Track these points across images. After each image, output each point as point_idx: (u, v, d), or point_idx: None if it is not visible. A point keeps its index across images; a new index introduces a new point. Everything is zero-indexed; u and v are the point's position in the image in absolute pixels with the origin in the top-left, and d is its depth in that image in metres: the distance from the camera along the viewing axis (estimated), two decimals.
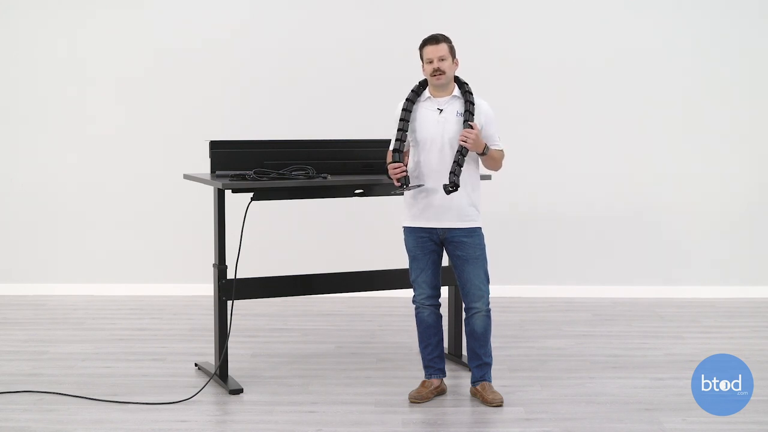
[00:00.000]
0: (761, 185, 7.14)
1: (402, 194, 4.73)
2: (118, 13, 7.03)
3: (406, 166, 4.58)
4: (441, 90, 4.61)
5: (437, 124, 4.57)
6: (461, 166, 4.49)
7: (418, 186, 4.57)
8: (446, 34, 4.61)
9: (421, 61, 4.62)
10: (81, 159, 7.08)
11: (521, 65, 7.07)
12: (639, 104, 7.09)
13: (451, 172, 4.47)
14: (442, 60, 4.54)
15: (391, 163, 4.57)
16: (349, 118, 6.94)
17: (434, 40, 4.57)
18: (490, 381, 4.75)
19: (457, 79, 4.64)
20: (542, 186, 7.12)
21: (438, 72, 4.53)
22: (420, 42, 4.61)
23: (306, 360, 5.45)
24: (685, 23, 7.06)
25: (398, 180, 4.54)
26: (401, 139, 4.58)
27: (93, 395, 4.75)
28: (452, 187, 4.45)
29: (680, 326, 6.28)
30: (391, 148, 4.65)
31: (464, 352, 5.34)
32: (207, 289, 5.84)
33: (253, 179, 4.78)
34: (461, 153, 4.48)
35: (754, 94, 7.09)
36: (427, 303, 4.73)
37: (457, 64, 4.61)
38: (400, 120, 4.60)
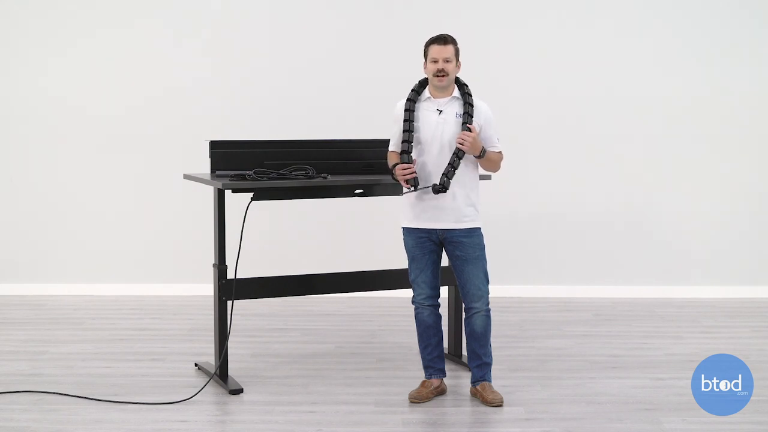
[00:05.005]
0: (761, 185, 7.14)
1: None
2: (119, 10, 7.03)
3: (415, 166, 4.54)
4: (441, 91, 4.58)
5: (437, 125, 4.55)
6: (455, 169, 4.46)
7: (427, 187, 4.53)
8: (453, 36, 4.59)
9: (423, 59, 4.59)
10: (81, 159, 7.07)
11: (521, 66, 7.07)
12: (639, 105, 7.08)
13: (443, 174, 4.45)
14: (447, 62, 4.51)
15: (399, 164, 4.53)
16: (349, 118, 6.94)
17: (442, 40, 4.53)
18: (490, 381, 4.75)
19: (457, 80, 4.61)
20: (542, 186, 7.11)
21: (441, 73, 4.50)
22: (426, 40, 4.58)
23: (306, 360, 5.45)
24: (687, 24, 7.06)
25: (407, 182, 4.52)
26: (409, 140, 4.53)
27: (93, 395, 4.75)
28: (441, 188, 4.43)
29: (680, 326, 6.28)
30: (392, 148, 4.64)
31: (464, 352, 5.33)
32: (207, 289, 5.84)
33: (253, 179, 4.78)
34: (457, 155, 4.46)
35: (754, 95, 7.08)
36: (427, 303, 4.72)
37: (459, 67, 4.59)
38: (405, 121, 4.56)
